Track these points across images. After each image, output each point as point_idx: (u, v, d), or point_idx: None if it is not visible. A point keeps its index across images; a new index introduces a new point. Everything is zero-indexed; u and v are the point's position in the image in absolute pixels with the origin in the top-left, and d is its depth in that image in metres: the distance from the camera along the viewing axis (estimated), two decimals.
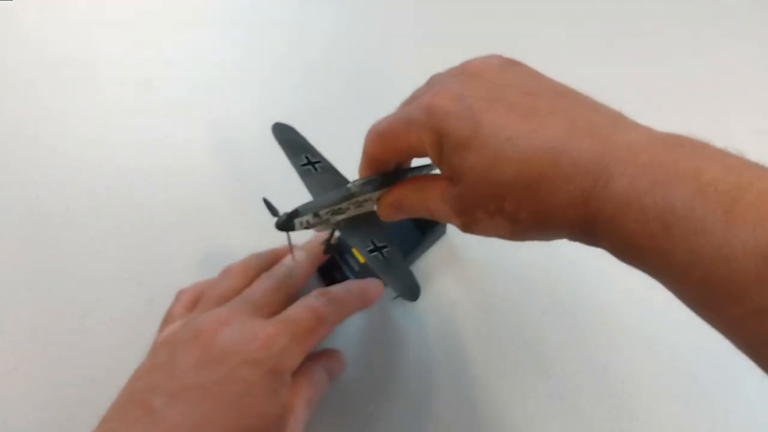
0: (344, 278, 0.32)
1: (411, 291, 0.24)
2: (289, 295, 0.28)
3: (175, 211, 0.38)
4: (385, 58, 0.49)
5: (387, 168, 0.25)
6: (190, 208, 0.38)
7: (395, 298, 0.24)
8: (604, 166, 0.17)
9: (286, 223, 0.24)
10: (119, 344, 0.32)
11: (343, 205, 0.25)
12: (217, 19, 0.51)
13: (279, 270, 0.29)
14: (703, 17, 0.53)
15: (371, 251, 0.25)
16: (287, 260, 0.30)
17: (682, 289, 0.17)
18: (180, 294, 0.30)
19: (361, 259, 0.31)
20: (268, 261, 0.31)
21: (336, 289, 0.28)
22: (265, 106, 0.45)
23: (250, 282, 0.29)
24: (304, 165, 0.27)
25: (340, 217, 0.25)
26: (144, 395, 0.23)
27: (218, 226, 0.37)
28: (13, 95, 0.44)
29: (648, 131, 0.19)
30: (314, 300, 0.27)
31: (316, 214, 0.24)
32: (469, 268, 0.35)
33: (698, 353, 0.32)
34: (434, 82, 0.25)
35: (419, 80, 0.27)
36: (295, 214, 0.24)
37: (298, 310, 0.26)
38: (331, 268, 0.33)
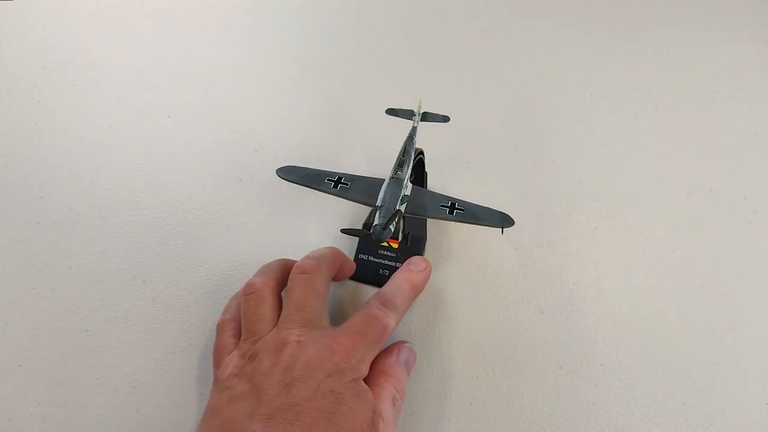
0: (393, 270, 0.34)
1: (505, 219, 0.27)
2: (326, 288, 0.28)
3: (178, 211, 0.38)
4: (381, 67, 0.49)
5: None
6: (192, 207, 0.38)
7: (503, 232, 0.28)
8: None
9: (384, 231, 0.25)
10: (123, 343, 0.32)
11: (403, 192, 0.27)
12: (219, 22, 0.52)
13: (306, 265, 0.29)
14: (700, 18, 0.53)
15: (450, 212, 0.28)
16: (311, 254, 0.30)
17: None
18: (222, 325, 0.29)
19: (395, 245, 0.33)
20: (284, 267, 0.30)
21: (388, 291, 0.29)
22: (267, 107, 0.45)
23: (278, 294, 0.29)
24: (334, 186, 0.29)
25: (404, 205, 0.28)
26: (239, 424, 0.22)
27: (220, 226, 0.37)
28: (16, 96, 0.45)
29: None
30: (376, 309, 0.27)
31: (397, 209, 0.27)
32: (467, 268, 0.36)
33: (693, 353, 0.32)
34: None
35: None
36: (394, 215, 0.25)
37: (363, 321, 0.26)
38: (375, 269, 0.34)
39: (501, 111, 0.45)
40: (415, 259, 0.31)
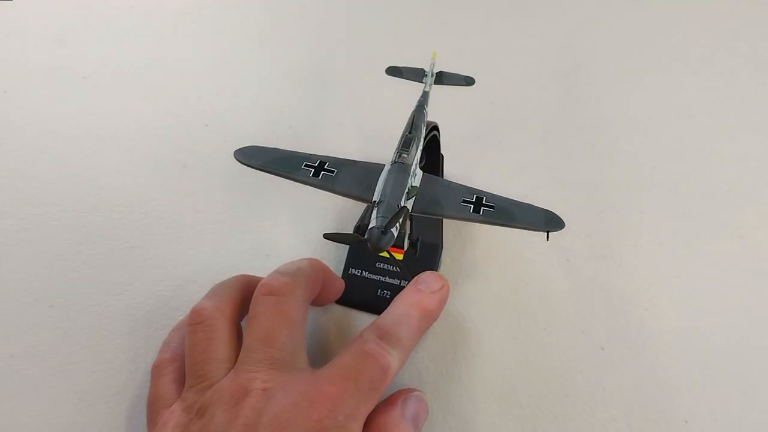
0: (396, 290, 0.34)
1: (552, 220, 0.27)
2: (302, 316, 0.28)
3: (98, 208, 0.38)
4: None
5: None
6: (118, 203, 0.38)
7: (548, 237, 0.27)
8: None
9: (384, 236, 0.25)
10: (23, 391, 0.32)
11: (410, 182, 0.27)
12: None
13: (276, 283, 0.29)
14: None
15: (475, 210, 0.28)
16: (282, 268, 0.30)
17: None
18: (159, 368, 0.29)
19: (398, 256, 0.33)
20: (245, 286, 0.30)
21: (389, 319, 0.28)
22: (222, 65, 0.45)
23: (237, 323, 0.29)
24: (315, 174, 0.29)
25: (412, 200, 0.28)
26: None
27: (157, 229, 0.37)
28: None
29: None
30: (372, 345, 0.27)
31: (402, 206, 0.27)
32: (498, 288, 0.35)
33: None
34: None
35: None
36: (398, 215, 0.25)
37: (354, 360, 0.26)
38: (372, 289, 0.34)
39: (546, 72, 0.45)
40: (425, 275, 0.31)
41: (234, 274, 0.32)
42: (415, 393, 0.29)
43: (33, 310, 0.34)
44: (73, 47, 0.45)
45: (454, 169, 0.39)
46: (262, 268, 0.34)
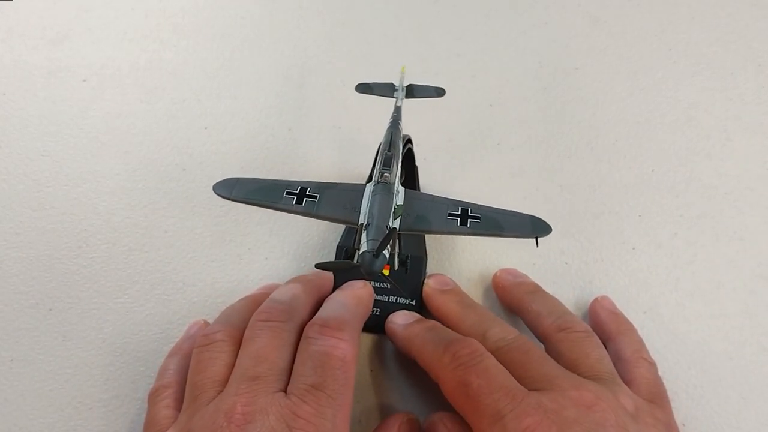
0: (386, 306, 0.34)
1: (539, 226, 0.28)
2: (295, 342, 0.29)
3: (97, 211, 0.38)
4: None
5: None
6: (118, 207, 0.38)
7: (537, 243, 0.27)
8: None
9: (377, 260, 0.25)
10: (21, 395, 0.32)
11: (395, 201, 0.28)
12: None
13: (273, 311, 0.29)
14: None
15: (461, 223, 0.27)
16: (278, 296, 0.31)
17: None
18: (156, 394, 0.29)
19: (384, 272, 0.33)
20: (253, 311, 0.31)
21: (327, 310, 0.29)
22: (221, 67, 0.45)
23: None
24: (298, 201, 0.28)
25: (399, 218, 0.28)
26: None
27: (157, 233, 0.38)
28: None
29: None
30: (321, 341, 0.27)
31: (391, 227, 0.26)
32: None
33: None
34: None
35: None
36: (389, 236, 0.25)
37: (312, 365, 0.26)
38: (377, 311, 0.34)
39: (544, 73, 0.45)
40: (348, 283, 0.32)
41: (233, 278, 0.32)
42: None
43: (32, 313, 0.34)
44: (73, 49, 0.45)
45: (452, 172, 0.39)
46: (260, 271, 0.35)
